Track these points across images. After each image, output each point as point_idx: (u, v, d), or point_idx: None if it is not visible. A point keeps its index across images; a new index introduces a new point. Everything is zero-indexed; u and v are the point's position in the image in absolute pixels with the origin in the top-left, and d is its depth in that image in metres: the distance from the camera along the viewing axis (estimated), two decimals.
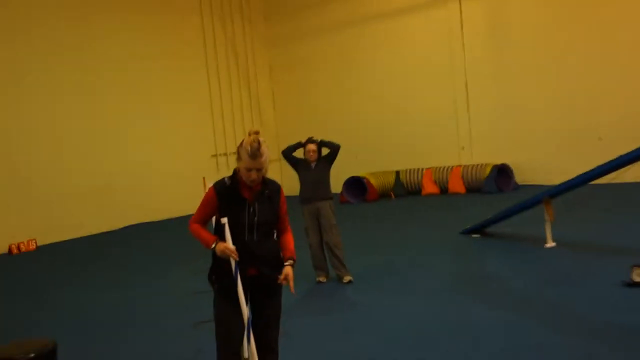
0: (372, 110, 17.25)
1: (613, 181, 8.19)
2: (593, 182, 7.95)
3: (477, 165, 15.04)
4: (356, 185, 15.69)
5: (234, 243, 3.64)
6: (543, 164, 14.44)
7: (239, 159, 3.71)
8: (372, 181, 15.63)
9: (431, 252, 8.68)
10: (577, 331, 4.99)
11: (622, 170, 7.24)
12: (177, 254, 10.63)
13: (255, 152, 3.61)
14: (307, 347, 5.24)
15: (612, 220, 9.47)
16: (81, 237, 13.91)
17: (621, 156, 6.98)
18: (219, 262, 3.70)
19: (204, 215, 3.81)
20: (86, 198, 14.34)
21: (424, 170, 15.72)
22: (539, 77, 14.61)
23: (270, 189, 3.81)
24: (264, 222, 3.74)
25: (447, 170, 15.42)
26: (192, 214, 3.84)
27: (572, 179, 7.72)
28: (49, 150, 13.81)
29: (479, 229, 9.43)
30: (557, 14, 14.30)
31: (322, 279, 7.48)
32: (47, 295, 8.50)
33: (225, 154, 17.69)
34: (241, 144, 3.69)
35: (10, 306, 8.01)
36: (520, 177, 14.86)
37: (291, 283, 3.73)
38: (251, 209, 3.71)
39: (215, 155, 17.49)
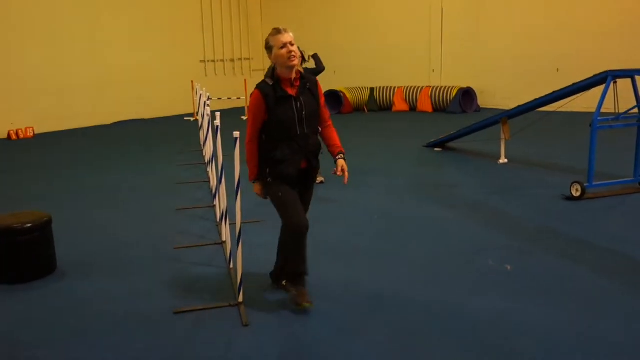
0: (353, 30, 16.87)
1: (563, 109, 8.24)
2: (547, 109, 7.99)
3: (445, 87, 14.97)
4: (333, 98, 15.56)
5: (285, 139, 3.52)
6: (504, 90, 14.45)
7: (270, 51, 3.52)
8: (348, 95, 15.51)
9: (396, 160, 8.77)
10: (515, 232, 5.18)
11: (572, 98, 7.27)
12: (164, 149, 10.59)
13: (280, 28, 3.50)
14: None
15: (560, 143, 9.64)
16: (76, 128, 13.72)
17: (572, 84, 6.99)
18: (273, 158, 3.55)
19: (256, 124, 3.55)
20: (82, 93, 14.03)
21: (396, 89, 15.62)
22: (506, 10, 14.35)
23: (310, 81, 3.63)
24: (311, 114, 3.58)
25: (418, 90, 15.34)
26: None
27: (528, 102, 7.74)
28: (50, 45, 13.34)
29: (441, 143, 9.51)
30: None
31: None
32: (44, 175, 8.47)
33: (213, 61, 17.29)
34: (266, 39, 3.56)
35: (10, 183, 7.98)
36: (483, 101, 14.90)
37: (346, 174, 3.69)
38: (298, 104, 3.52)
39: (203, 61, 17.08)
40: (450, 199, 6.48)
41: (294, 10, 18.08)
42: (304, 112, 3.52)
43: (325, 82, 13.42)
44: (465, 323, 3.48)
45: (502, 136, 8.18)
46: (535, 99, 7.62)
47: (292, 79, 3.53)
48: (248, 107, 3.51)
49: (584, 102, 7.82)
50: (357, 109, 15.73)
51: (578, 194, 6.14)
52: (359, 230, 5.40)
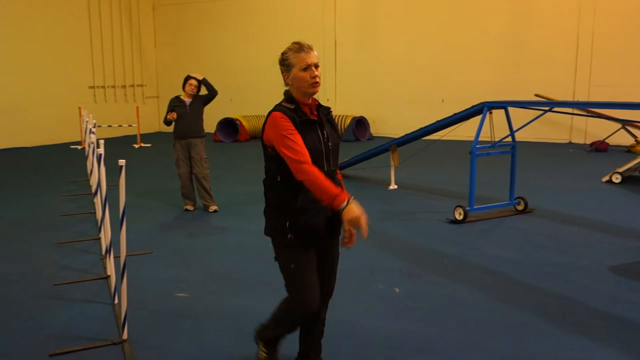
0: (250, 56, 16.96)
1: (446, 137, 8.75)
2: (433, 137, 8.44)
3: (339, 116, 15.39)
4: (229, 126, 15.48)
5: None
6: (395, 119, 15.12)
7: (287, 69, 2.80)
8: (245, 123, 15.50)
9: None
10: (404, 255, 5.37)
11: (454, 127, 7.74)
12: (48, 179, 9.96)
13: (304, 44, 2.79)
14: (174, 264, 5.19)
15: (444, 170, 10.19)
16: None
17: (453, 115, 7.45)
18: (295, 207, 2.78)
19: (299, 140, 2.68)
20: None
21: None
22: (397, 44, 15.11)
23: (327, 111, 2.99)
24: (336, 148, 2.91)
25: None
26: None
27: (415, 131, 8.14)
28: None
29: None
30: None
31: (189, 207, 7.37)
32: None
33: (103, 87, 16.63)
34: (284, 53, 2.84)
35: None
36: (375, 129, 15.48)
37: (354, 238, 2.91)
38: (324, 133, 2.84)
39: (92, 87, 16.37)
40: None
41: (189, 36, 17.91)
42: (330, 144, 2.84)
43: (221, 109, 13.42)
44: (358, 343, 3.53)
45: (392, 163, 8.52)
46: (421, 128, 8.02)
47: (310, 106, 2.89)
48: (270, 132, 2.74)
49: (465, 131, 8.36)
50: (254, 137, 15.73)
51: (461, 217, 6.50)
52: (253, 258, 5.35)
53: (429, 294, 4.43)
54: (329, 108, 3.01)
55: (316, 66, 2.77)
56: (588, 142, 13.05)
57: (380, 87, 15.44)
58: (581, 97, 13.24)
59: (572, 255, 5.35)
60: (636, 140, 11.79)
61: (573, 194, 8.08)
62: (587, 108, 11.41)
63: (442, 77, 14.57)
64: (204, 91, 7.32)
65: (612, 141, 12.31)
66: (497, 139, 6.92)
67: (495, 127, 6.95)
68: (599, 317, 3.97)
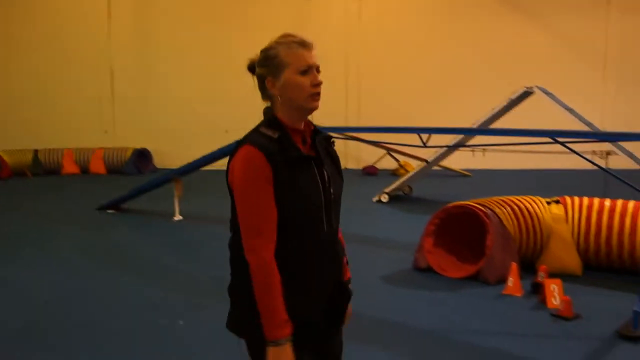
0: (22, 82, 15.28)
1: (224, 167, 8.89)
2: (216, 168, 8.48)
3: (119, 148, 14.67)
4: None
5: (305, 242, 1.91)
6: (178, 150, 14.83)
7: (275, 71, 1.93)
8: (6, 158, 13.84)
9: (65, 226, 8.10)
10: (189, 287, 5.26)
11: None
12: None
13: (306, 40, 1.93)
14: None
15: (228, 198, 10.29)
16: None
17: (232, 143, 7.61)
18: (287, 289, 1.87)
19: (268, 215, 1.86)
20: None
21: (65, 150, 14.62)
22: (178, 73, 15.03)
23: (326, 138, 2.08)
24: (339, 194, 2.02)
25: (89, 151, 14.64)
26: None
27: (196, 160, 8.15)
28: None
29: (115, 205, 9.18)
30: (194, 13, 14.94)
31: None
32: None
33: None
34: (269, 49, 1.97)
35: None
36: (158, 161, 15.06)
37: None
38: (324, 174, 1.96)
39: None
40: (125, 262, 6.24)
41: None
42: (332, 190, 1.97)
43: None
44: None
45: (175, 193, 8.35)
46: (201, 158, 8.06)
47: (303, 133, 2.01)
48: (235, 182, 1.94)
49: None
50: (19, 173, 14.13)
51: None
52: (24, 311, 4.74)
53: (214, 323, 4.37)
54: (330, 137, 2.12)
55: (318, 70, 1.95)
56: (361, 167, 14.33)
57: (162, 118, 15.10)
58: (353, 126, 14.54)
59: (350, 269, 5.76)
60: (399, 164, 13.29)
61: (349, 214, 8.71)
62: (350, 133, 12.46)
63: (225, 107, 14.79)
64: None
65: (380, 166, 13.70)
66: None
67: None
68: (371, 324, 4.32)
